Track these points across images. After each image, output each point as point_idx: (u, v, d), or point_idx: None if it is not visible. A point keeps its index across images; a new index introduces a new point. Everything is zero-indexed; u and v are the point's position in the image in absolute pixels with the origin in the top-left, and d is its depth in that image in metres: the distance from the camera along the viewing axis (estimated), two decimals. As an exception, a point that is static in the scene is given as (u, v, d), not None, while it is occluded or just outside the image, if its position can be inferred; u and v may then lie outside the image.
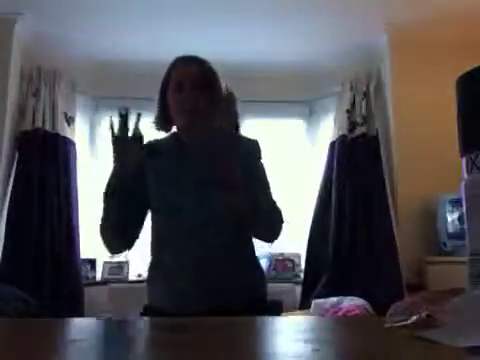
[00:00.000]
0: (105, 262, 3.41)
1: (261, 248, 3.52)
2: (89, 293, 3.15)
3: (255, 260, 1.41)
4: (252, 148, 1.42)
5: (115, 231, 1.37)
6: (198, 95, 1.34)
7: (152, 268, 1.37)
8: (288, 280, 3.35)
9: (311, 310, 2.77)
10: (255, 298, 1.31)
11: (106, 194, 1.40)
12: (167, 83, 1.42)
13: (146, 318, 1.12)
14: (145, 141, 1.38)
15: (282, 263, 3.45)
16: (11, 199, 2.99)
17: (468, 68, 0.71)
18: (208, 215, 1.29)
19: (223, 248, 1.28)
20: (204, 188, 1.30)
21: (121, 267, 3.38)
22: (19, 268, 2.89)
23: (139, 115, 1.34)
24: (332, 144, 3.35)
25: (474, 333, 0.51)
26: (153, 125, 1.45)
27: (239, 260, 1.31)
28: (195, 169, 1.32)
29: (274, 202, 1.36)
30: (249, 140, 1.43)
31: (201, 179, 1.30)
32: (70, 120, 3.33)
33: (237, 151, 1.29)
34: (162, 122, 1.44)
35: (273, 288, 3.62)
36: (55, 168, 3.15)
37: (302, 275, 3.33)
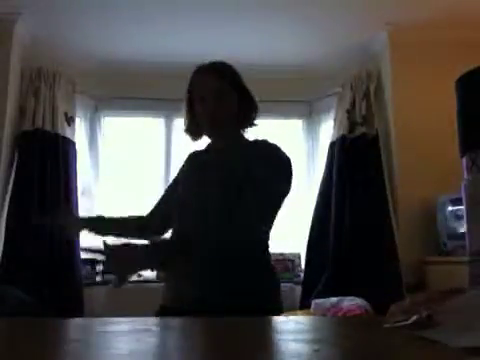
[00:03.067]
0: (105, 262, 3.41)
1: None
2: (89, 293, 3.15)
3: (257, 266, 1.34)
4: (261, 153, 1.35)
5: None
6: (218, 106, 1.39)
7: None
8: (288, 280, 3.35)
9: (311, 310, 2.77)
10: (250, 304, 1.21)
11: None
12: (191, 93, 1.47)
13: (146, 318, 1.12)
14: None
15: (282, 263, 3.45)
16: (11, 199, 2.99)
17: (468, 68, 0.71)
18: (207, 220, 1.32)
19: (218, 251, 1.27)
20: (206, 195, 1.35)
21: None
22: (19, 268, 2.89)
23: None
24: (332, 144, 3.35)
25: (474, 333, 0.51)
26: (186, 134, 1.52)
27: (236, 263, 1.27)
28: (210, 178, 1.38)
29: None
30: (262, 145, 1.38)
31: (207, 186, 1.37)
32: (70, 120, 3.33)
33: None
34: (193, 131, 1.51)
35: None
36: (55, 168, 3.15)
37: (302, 275, 3.33)
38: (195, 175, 1.45)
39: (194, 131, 1.50)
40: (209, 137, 1.48)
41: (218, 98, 1.39)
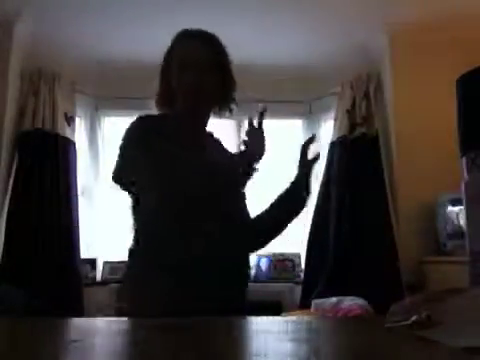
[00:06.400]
0: (105, 262, 3.41)
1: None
2: (89, 293, 3.15)
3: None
4: None
5: None
6: (203, 78, 1.25)
7: None
8: (288, 280, 3.35)
9: (311, 310, 2.77)
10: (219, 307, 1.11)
11: None
12: (170, 58, 1.32)
13: (146, 318, 1.12)
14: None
15: (282, 263, 3.45)
16: (11, 199, 2.99)
17: (468, 68, 0.71)
18: None
19: None
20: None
21: (121, 267, 3.38)
22: (19, 268, 2.89)
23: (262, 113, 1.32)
24: (332, 144, 3.35)
25: (474, 333, 0.51)
26: (154, 103, 1.35)
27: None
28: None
29: None
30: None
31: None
32: (70, 120, 3.33)
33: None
34: (164, 100, 1.33)
35: (273, 288, 3.62)
36: (55, 168, 3.15)
37: (302, 275, 3.33)
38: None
39: (165, 101, 1.33)
40: (185, 110, 1.30)
41: (206, 71, 1.25)
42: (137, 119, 1.26)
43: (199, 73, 1.25)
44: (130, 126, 1.27)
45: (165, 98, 1.33)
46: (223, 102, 1.36)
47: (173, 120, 1.29)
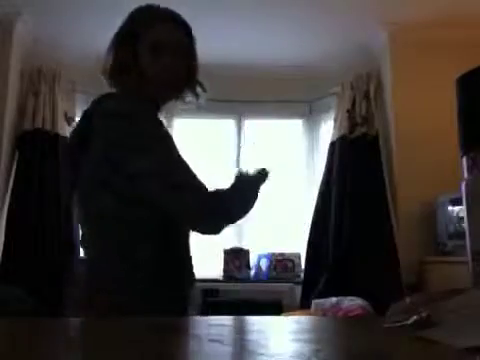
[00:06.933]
0: (105, 262, 3.41)
1: (262, 248, 3.52)
2: (89, 293, 3.15)
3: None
4: None
5: None
6: (180, 62, 1.23)
7: None
8: (288, 280, 3.35)
9: (311, 310, 2.77)
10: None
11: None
12: (136, 34, 1.26)
13: (147, 318, 1.12)
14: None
15: (282, 263, 3.45)
16: (11, 199, 2.99)
17: (468, 68, 0.71)
18: None
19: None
20: None
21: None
22: (19, 268, 2.89)
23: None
24: (332, 144, 3.35)
25: (474, 333, 0.51)
26: (112, 75, 1.26)
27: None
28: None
29: None
30: None
31: None
32: (70, 120, 3.33)
33: None
34: (120, 76, 1.25)
35: (273, 288, 3.61)
36: (55, 168, 3.15)
37: (302, 275, 3.33)
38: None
39: (121, 78, 1.25)
40: (157, 94, 1.23)
41: (183, 55, 1.24)
42: (128, 102, 1.18)
43: (177, 57, 1.22)
44: (124, 107, 1.18)
45: (120, 74, 1.26)
46: (188, 87, 1.30)
47: (147, 104, 1.18)
